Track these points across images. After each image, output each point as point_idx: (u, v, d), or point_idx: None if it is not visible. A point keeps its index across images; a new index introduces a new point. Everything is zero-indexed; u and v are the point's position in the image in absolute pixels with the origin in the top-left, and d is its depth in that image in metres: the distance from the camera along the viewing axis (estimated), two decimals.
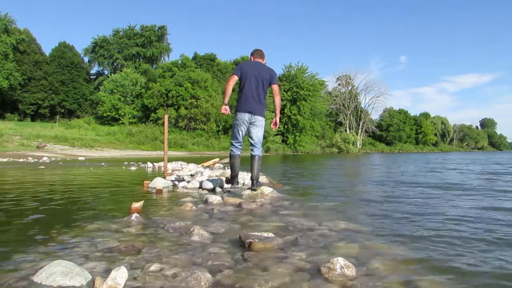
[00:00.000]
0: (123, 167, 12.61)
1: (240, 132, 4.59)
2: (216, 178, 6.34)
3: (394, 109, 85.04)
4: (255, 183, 4.69)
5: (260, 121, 4.52)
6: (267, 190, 4.95)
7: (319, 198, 5.04)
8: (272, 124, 4.85)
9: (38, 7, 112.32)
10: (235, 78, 4.42)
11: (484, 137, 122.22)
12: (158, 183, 5.88)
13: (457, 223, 3.26)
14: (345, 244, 2.50)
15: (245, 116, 4.46)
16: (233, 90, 4.63)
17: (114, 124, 44.83)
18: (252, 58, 4.72)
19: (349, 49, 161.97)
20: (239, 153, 4.78)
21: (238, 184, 5.13)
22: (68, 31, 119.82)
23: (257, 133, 4.56)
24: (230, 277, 1.88)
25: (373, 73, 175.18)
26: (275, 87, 4.51)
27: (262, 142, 4.80)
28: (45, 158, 18.53)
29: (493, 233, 2.85)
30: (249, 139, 4.64)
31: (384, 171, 11.80)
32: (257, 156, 4.61)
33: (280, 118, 5.31)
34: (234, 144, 4.71)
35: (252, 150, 4.66)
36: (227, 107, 4.60)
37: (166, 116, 8.53)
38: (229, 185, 5.15)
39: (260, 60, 4.65)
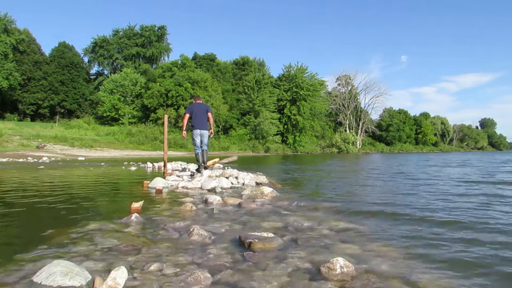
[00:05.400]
0: (123, 167, 12.60)
1: (197, 141, 7.55)
2: (216, 178, 6.35)
3: (394, 109, 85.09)
4: (202, 166, 7.65)
5: (205, 133, 7.58)
6: (267, 190, 4.95)
7: (318, 198, 5.05)
8: (209, 134, 7.69)
9: (38, 7, 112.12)
10: (187, 116, 7.50)
11: (484, 137, 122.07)
12: (158, 183, 5.88)
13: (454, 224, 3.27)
14: (345, 244, 2.50)
15: (198, 131, 7.49)
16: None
17: (114, 124, 44.77)
18: (194, 101, 7.84)
19: (349, 49, 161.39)
20: (199, 151, 7.61)
21: (203, 170, 7.53)
22: (68, 31, 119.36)
23: (205, 139, 7.61)
24: (230, 277, 1.88)
25: (373, 72, 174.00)
26: (209, 114, 7.60)
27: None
28: (45, 158, 18.53)
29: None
30: (201, 142, 7.59)
31: (383, 170, 11.81)
32: (205, 151, 7.68)
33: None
34: (196, 148, 7.63)
35: (202, 147, 7.62)
36: (185, 133, 7.99)
37: (166, 116, 8.53)
38: (199, 173, 7.36)
39: (199, 101, 7.80)
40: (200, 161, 7.59)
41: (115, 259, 2.15)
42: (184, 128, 7.68)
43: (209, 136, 7.67)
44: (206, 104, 8.31)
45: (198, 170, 7.62)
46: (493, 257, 2.26)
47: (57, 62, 50.89)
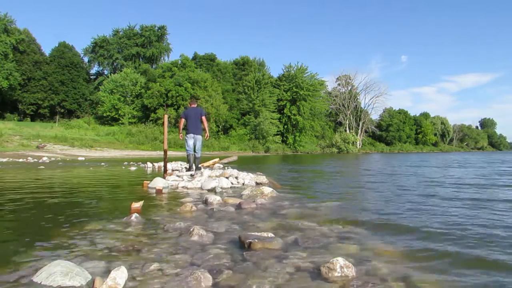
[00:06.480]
0: (123, 167, 12.60)
1: (191, 143, 7.90)
2: (216, 177, 6.34)
3: (394, 109, 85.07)
4: (196, 169, 7.97)
5: (199, 138, 7.96)
6: (267, 190, 4.95)
7: (318, 198, 5.05)
8: (205, 137, 8.12)
9: (38, 7, 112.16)
10: (183, 120, 8.10)
11: (484, 137, 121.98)
12: (158, 183, 5.88)
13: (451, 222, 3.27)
14: (345, 244, 2.50)
15: (192, 135, 7.86)
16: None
17: (114, 124, 44.77)
18: (190, 105, 8.21)
19: (349, 49, 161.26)
20: (191, 152, 7.97)
21: (193, 171, 7.85)
22: (68, 31, 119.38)
23: (198, 144, 7.98)
24: (230, 277, 1.88)
25: (374, 72, 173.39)
26: (203, 118, 7.96)
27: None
28: (45, 158, 18.53)
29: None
30: (195, 146, 7.95)
31: (383, 171, 11.81)
32: (197, 158, 8.10)
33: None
34: (188, 149, 7.96)
35: (196, 153, 8.03)
36: (181, 135, 8.25)
37: (166, 116, 8.54)
38: (189, 172, 7.69)
39: (194, 105, 8.15)
40: (191, 162, 8.06)
41: (115, 259, 2.15)
42: (180, 132, 8.32)
43: (204, 139, 8.11)
44: (202, 107, 9.03)
45: (188, 170, 8.05)
46: (496, 257, 2.26)
47: (57, 62, 50.86)
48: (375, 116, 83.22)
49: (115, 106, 45.89)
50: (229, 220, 3.29)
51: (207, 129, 8.02)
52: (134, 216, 3.22)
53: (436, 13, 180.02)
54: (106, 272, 1.85)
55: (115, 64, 58.79)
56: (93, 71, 60.83)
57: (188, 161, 8.17)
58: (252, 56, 62.19)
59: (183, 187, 6.02)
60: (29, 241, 2.59)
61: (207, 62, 56.82)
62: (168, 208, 4.01)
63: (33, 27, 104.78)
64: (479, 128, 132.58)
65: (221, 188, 5.73)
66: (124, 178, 8.71)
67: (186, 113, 7.96)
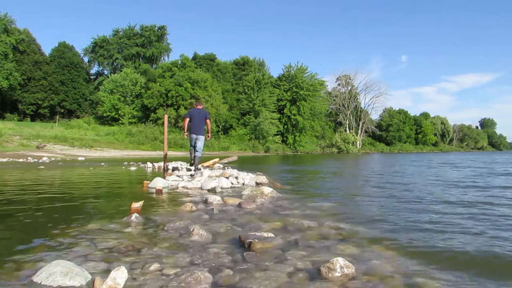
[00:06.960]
0: (123, 167, 12.60)
1: (193, 142, 8.16)
2: (216, 177, 6.34)
3: (394, 109, 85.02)
4: (196, 169, 8.09)
5: (201, 138, 8.15)
6: (267, 190, 4.95)
7: (318, 198, 5.05)
8: (206, 138, 8.30)
9: (38, 7, 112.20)
10: (187, 119, 8.15)
11: (484, 137, 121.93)
12: (158, 183, 5.87)
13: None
14: (345, 244, 2.50)
15: (194, 136, 8.09)
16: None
17: (114, 124, 44.75)
18: (195, 106, 8.51)
19: (349, 49, 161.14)
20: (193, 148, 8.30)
21: (199, 170, 8.15)
22: (68, 31, 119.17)
23: (199, 144, 8.17)
24: (230, 277, 1.88)
25: (374, 72, 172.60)
26: (207, 121, 8.19)
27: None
28: (45, 158, 18.52)
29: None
30: (195, 146, 8.17)
31: (382, 171, 11.82)
32: (197, 157, 8.23)
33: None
34: (191, 147, 8.30)
35: (196, 152, 8.19)
36: (187, 133, 8.28)
37: (166, 116, 8.56)
38: (189, 172, 7.93)
39: (199, 107, 8.44)
40: (193, 155, 8.45)
41: (115, 259, 2.15)
42: (186, 130, 8.50)
43: (205, 139, 8.29)
44: (206, 109, 9.16)
45: (191, 164, 8.41)
46: (494, 255, 2.26)
47: (57, 62, 50.85)
48: (375, 116, 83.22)
49: (115, 106, 45.88)
50: (229, 220, 3.29)
51: (209, 131, 8.30)
52: (134, 216, 3.22)
53: (436, 13, 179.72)
54: (106, 272, 1.85)
55: (115, 64, 58.79)
56: (93, 71, 60.83)
57: (190, 154, 8.55)
58: (252, 56, 62.22)
59: (183, 187, 6.02)
60: (29, 241, 2.59)
61: (207, 62, 56.80)
62: (168, 208, 4.01)
63: (33, 27, 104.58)
64: (479, 128, 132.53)
65: (221, 188, 5.73)
66: (124, 178, 8.71)
67: (191, 113, 8.20)
